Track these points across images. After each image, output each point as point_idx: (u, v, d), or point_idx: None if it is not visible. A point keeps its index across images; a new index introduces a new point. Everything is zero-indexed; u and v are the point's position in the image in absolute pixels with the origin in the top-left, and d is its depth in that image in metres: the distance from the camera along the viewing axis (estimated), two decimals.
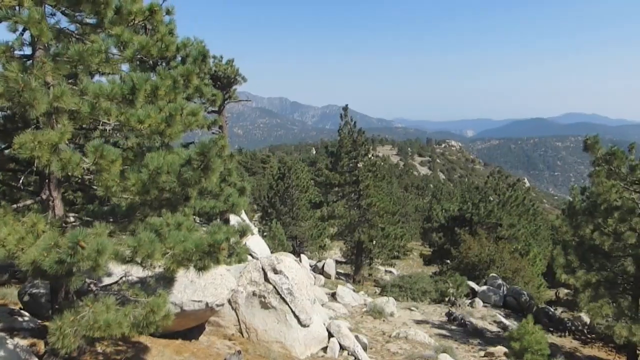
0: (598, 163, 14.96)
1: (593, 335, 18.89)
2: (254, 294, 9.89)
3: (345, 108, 28.67)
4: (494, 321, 18.81)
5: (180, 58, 9.66)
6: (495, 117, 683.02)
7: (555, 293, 30.43)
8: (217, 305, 8.56)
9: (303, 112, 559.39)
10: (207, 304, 8.33)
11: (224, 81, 15.83)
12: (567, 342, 18.19)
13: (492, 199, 32.30)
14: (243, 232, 8.98)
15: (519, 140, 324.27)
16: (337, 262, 30.92)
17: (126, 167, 6.04)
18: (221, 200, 11.31)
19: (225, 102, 15.84)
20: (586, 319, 19.45)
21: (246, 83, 16.57)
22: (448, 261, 30.90)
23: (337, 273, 28.30)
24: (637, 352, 15.95)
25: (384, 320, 17.00)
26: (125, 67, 6.99)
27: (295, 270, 10.48)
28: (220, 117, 15.34)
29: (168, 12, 8.06)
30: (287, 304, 9.88)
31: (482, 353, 14.84)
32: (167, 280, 7.41)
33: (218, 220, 12.65)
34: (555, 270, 16.85)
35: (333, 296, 19.25)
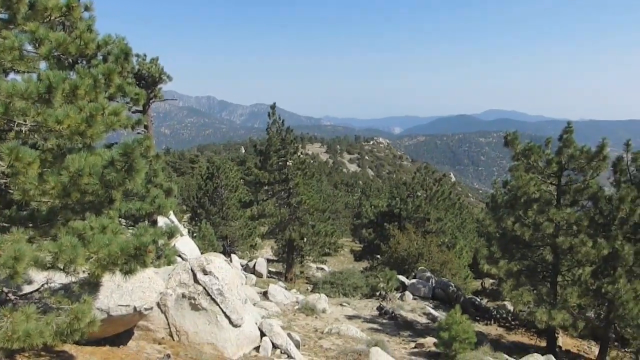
0: (517, 158, 15.61)
1: (517, 322, 19.67)
2: (183, 295, 9.71)
3: (273, 106, 28.60)
4: (424, 313, 19.25)
5: (101, 56, 9.35)
6: (421, 114, 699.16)
7: (481, 283, 31.53)
8: (146, 309, 8.36)
9: (231, 111, 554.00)
10: (135, 308, 8.12)
11: (149, 80, 15.46)
12: (493, 330, 18.87)
13: (419, 194, 33.05)
14: (171, 233, 8.80)
15: (445, 136, 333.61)
16: (268, 260, 30.84)
17: (45, 169, 5.80)
18: (147, 202, 11.02)
19: (150, 102, 15.48)
20: (510, 307, 20.21)
21: (172, 82, 16.28)
22: (378, 256, 31.42)
23: (269, 272, 28.22)
24: (556, 335, 16.77)
25: (316, 317, 17.08)
26: (43, 65, 6.71)
27: (225, 271, 10.36)
28: (145, 116, 14.94)
29: (87, 9, 7.76)
30: (217, 304, 9.76)
31: (412, 344, 15.16)
32: (92, 285, 7.14)
33: (145, 222, 12.34)
34: (480, 261, 17.48)
35: (265, 295, 19.17)
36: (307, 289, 24.35)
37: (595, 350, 17.73)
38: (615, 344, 17.91)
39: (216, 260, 10.50)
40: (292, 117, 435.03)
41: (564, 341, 18.40)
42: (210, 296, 9.83)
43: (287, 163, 27.82)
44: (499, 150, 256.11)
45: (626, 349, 17.81)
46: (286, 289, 21.57)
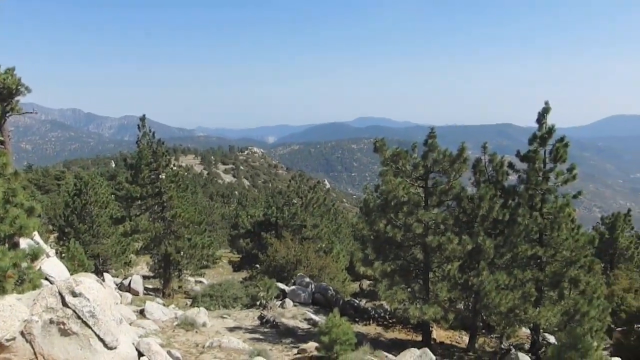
0: (386, 163, 16.28)
1: (394, 320, 20.46)
2: (51, 321, 9.11)
3: (143, 118, 27.72)
4: (305, 319, 19.45)
5: None
6: (294, 123, 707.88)
7: (359, 285, 32.43)
8: (7, 340, 7.77)
9: (99, 123, 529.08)
10: None
11: (4, 92, 14.46)
12: (372, 329, 19.46)
13: (295, 201, 33.44)
14: (35, 255, 8.28)
15: (318, 144, 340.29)
16: (144, 277, 29.74)
17: None
18: (7, 223, 10.26)
19: (7, 115, 14.48)
20: (387, 305, 20.96)
21: (32, 93, 15.33)
22: (257, 265, 31.36)
23: (146, 289, 27.22)
24: (431, 328, 17.65)
25: (196, 332, 16.71)
26: None
27: (97, 291, 9.85)
28: (1, 132, 13.98)
29: None
30: (90, 327, 9.25)
31: (295, 351, 15.26)
32: None
33: (5, 245, 11.47)
34: (356, 264, 18.01)
35: (142, 313, 18.46)
36: (186, 304, 23.76)
37: (466, 339, 18.92)
38: (483, 331, 19.22)
39: (86, 281, 9.97)
40: (164, 129, 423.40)
41: (438, 334, 19.41)
42: (82, 319, 9.31)
43: (160, 176, 27.02)
44: (371, 156, 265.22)
45: (492, 335, 19.19)
46: (164, 305, 20.92)
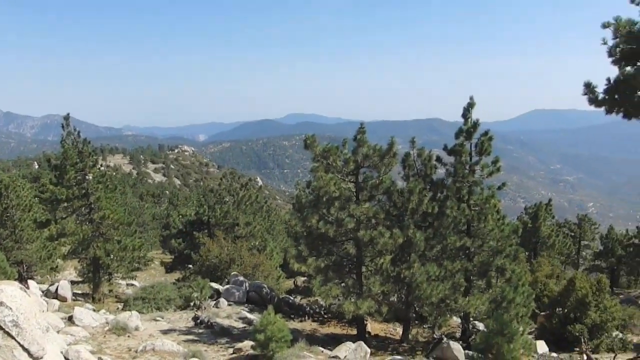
0: (317, 159, 16.37)
1: (329, 315, 20.66)
2: None
3: (67, 117, 26.72)
4: (240, 318, 19.33)
5: None
6: (225, 121, 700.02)
7: (294, 282, 32.57)
8: None
9: (20, 123, 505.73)
10: None
11: None
12: (308, 325, 19.57)
13: (227, 200, 33.14)
14: None
15: (250, 141, 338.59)
16: (73, 282, 28.76)
17: None
18: None
19: None
20: (322, 301, 21.12)
21: None
22: (190, 266, 30.93)
23: (75, 294, 26.32)
24: (365, 322, 17.92)
25: (129, 336, 16.31)
26: None
27: (20, 299, 9.44)
28: None
29: None
30: (13, 338, 8.86)
31: (231, 350, 15.15)
32: None
33: None
34: (290, 260, 18.06)
35: (70, 320, 17.84)
36: (118, 308, 23.16)
37: (400, 330, 19.35)
38: (416, 322, 19.69)
39: (8, 289, 9.55)
40: (91, 128, 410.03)
41: (373, 327, 19.73)
42: (3, 329, 8.91)
43: (87, 177, 26.18)
44: (302, 153, 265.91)
45: (425, 326, 19.70)
46: (94, 310, 20.30)
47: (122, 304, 23.66)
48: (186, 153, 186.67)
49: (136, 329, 17.03)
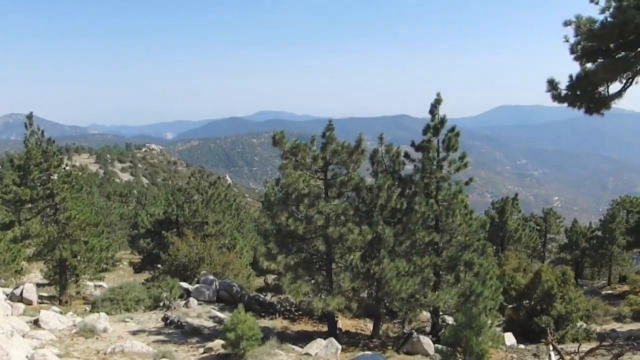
0: (286, 156, 16.35)
1: (300, 312, 20.68)
2: None
3: (30, 116, 26.18)
4: (210, 317, 19.23)
5: None
6: (193, 119, 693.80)
7: (264, 280, 32.52)
8: None
9: None
10: None
11: None
12: (279, 323, 19.57)
13: (196, 198, 32.90)
14: None
15: (218, 139, 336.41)
16: (38, 285, 28.24)
17: None
18: None
19: None
20: (292, 299, 21.13)
21: None
22: (159, 266, 30.62)
23: (40, 297, 25.83)
24: (336, 318, 18.01)
25: (97, 338, 16.08)
26: None
27: None
28: None
29: None
30: None
31: (201, 350, 15.05)
32: None
33: None
34: (260, 258, 18.02)
35: (36, 323, 17.51)
36: (86, 310, 22.80)
37: (371, 326, 19.50)
38: (386, 317, 19.85)
39: None
40: (55, 127, 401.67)
41: (344, 323, 19.83)
42: None
43: (52, 177, 25.71)
44: (271, 150, 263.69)
45: (395, 321, 19.88)
46: (61, 313, 19.97)
47: (90, 305, 23.31)
48: (154, 151, 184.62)
49: (104, 330, 16.81)
